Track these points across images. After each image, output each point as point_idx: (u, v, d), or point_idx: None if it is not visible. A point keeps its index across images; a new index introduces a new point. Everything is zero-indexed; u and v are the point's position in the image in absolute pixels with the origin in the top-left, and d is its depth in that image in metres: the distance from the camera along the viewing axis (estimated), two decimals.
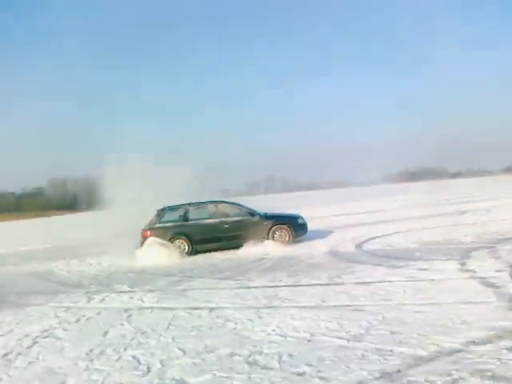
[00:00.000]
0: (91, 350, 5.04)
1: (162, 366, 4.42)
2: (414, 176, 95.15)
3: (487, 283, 6.31)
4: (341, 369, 3.86)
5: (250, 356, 4.41)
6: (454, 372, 3.55)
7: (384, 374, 3.64)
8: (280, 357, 4.30)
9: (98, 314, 6.75)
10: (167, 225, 11.91)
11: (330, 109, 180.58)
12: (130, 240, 12.18)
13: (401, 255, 9.14)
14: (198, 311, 6.32)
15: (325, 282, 7.41)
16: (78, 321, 6.44)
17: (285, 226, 12.23)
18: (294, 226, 12.34)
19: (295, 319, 5.50)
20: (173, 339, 5.19)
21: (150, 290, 8.05)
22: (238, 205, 12.59)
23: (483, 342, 4.11)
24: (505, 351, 3.84)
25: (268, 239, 11.89)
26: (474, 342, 4.12)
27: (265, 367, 4.09)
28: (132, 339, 5.33)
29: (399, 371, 3.67)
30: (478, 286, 6.24)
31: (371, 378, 3.61)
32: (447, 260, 8.19)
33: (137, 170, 14.03)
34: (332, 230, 14.69)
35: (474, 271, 7.11)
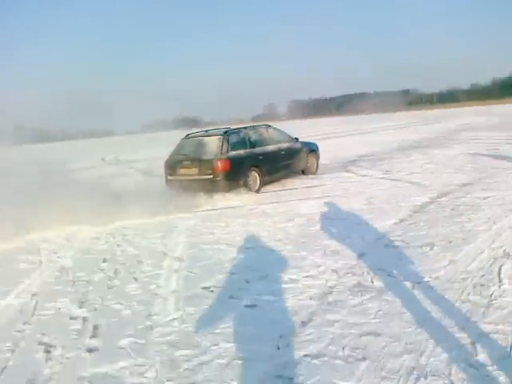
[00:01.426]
0: None
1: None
2: (174, 125, 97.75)
3: (381, 178, 9.75)
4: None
5: None
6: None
7: None
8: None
9: None
10: (241, 153, 9.31)
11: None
12: None
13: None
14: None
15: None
16: None
17: (314, 154, 11.60)
18: (318, 155, 11.83)
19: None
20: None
21: None
22: (279, 130, 11.10)
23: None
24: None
25: (304, 167, 11.26)
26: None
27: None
28: None
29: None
30: (387, 181, 9.62)
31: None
32: (340, 172, 11.50)
33: None
34: None
35: (371, 175, 10.55)
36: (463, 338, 3.00)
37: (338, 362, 2.92)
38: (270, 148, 10.13)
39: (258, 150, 9.77)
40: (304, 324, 3.46)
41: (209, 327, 3.57)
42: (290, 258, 5.04)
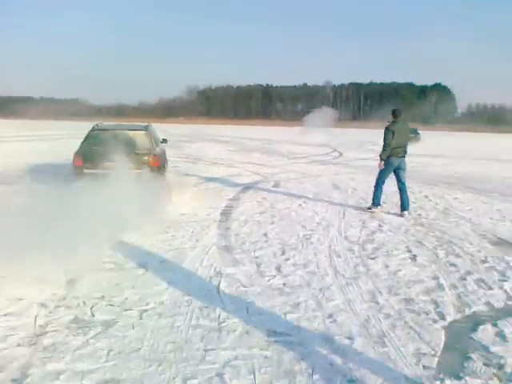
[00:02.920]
0: None
1: None
2: None
3: None
4: None
5: None
6: None
7: None
8: None
9: None
10: (158, 150, 9.11)
11: None
12: None
13: None
14: None
15: None
16: None
17: None
18: None
19: None
20: None
21: None
22: None
23: None
24: None
25: None
26: None
27: None
28: None
29: None
30: None
31: None
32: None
33: None
34: None
35: None
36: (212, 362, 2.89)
37: None
38: (162, 146, 9.86)
39: (160, 148, 9.40)
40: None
41: None
42: None
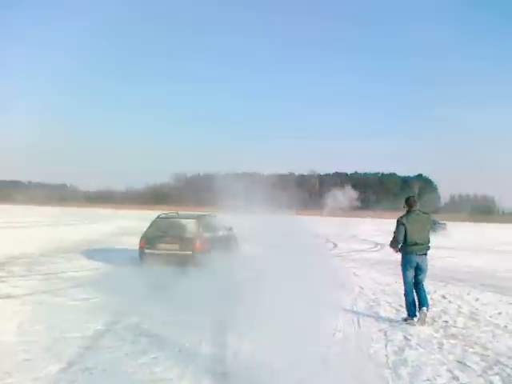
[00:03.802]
0: None
1: None
2: None
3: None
4: None
5: None
6: None
7: None
8: None
9: None
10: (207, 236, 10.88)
11: None
12: None
13: None
14: None
15: None
16: None
17: None
18: None
19: None
20: None
21: None
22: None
23: None
24: None
25: None
26: None
27: None
28: None
29: None
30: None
31: None
32: None
33: None
34: None
35: (25, 286, 8.45)
36: None
37: None
38: (217, 233, 11.18)
39: (211, 234, 10.80)
40: None
41: None
42: None
